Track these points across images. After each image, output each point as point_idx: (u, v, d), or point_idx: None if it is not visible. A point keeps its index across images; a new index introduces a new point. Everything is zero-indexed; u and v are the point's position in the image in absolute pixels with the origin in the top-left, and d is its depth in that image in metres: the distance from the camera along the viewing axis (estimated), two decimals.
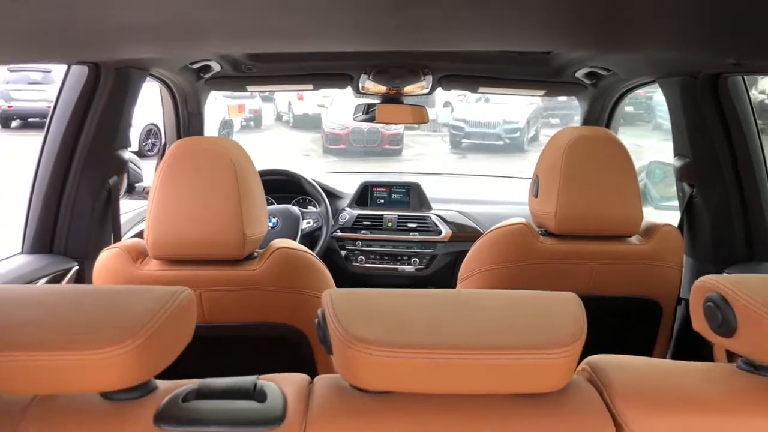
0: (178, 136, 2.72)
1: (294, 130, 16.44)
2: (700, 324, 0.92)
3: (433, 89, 2.69)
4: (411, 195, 3.21)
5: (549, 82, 2.56)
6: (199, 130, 2.77)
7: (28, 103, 17.36)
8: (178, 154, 1.49)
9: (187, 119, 2.71)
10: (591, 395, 0.85)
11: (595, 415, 0.82)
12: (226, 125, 13.56)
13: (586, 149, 1.73)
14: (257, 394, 0.83)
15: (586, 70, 2.35)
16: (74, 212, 1.94)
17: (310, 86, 2.69)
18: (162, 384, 0.86)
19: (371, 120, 2.69)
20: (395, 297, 0.87)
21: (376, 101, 2.69)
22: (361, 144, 13.96)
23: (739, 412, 0.83)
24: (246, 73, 2.51)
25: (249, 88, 2.70)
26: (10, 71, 18.67)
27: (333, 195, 3.19)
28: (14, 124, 17.34)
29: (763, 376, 0.88)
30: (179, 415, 0.79)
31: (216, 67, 2.41)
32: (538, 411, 0.82)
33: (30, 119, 17.62)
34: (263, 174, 2.07)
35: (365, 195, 3.21)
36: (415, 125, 14.69)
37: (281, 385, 0.86)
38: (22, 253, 1.93)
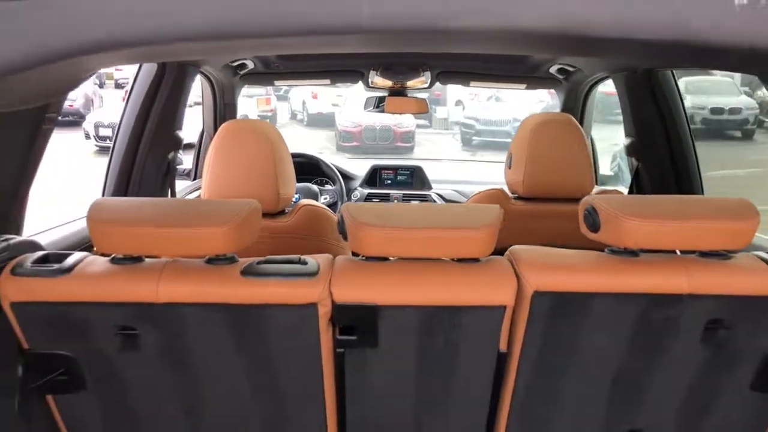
0: (215, 122, 3.26)
1: (308, 128, 17.00)
2: (582, 226, 1.45)
3: (432, 83, 3.21)
4: (414, 176, 3.74)
5: (529, 77, 3.09)
6: (232, 117, 3.32)
7: None
8: (228, 132, 2.03)
9: (223, 108, 3.26)
10: (505, 264, 1.38)
11: (504, 273, 1.35)
12: None
13: (548, 130, 2.25)
14: (301, 262, 1.37)
15: (556, 66, 2.88)
16: (142, 179, 2.48)
17: (328, 81, 3.24)
18: (241, 258, 1.40)
19: (381, 111, 3.22)
20: (386, 205, 1.41)
21: (385, 94, 3.22)
22: (373, 141, 14.48)
23: (598, 273, 1.35)
24: (274, 69, 3.06)
25: (276, 82, 3.25)
26: None
27: (346, 176, 3.74)
28: None
29: (617, 256, 1.40)
30: (255, 271, 1.33)
31: (250, 65, 2.96)
32: (469, 270, 1.35)
33: None
34: None
35: (374, 176, 3.75)
36: (428, 123, 14.88)
37: (315, 258, 1.40)
38: None
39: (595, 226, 1.39)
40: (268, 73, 3.12)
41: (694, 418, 1.52)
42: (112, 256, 1.37)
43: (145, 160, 2.47)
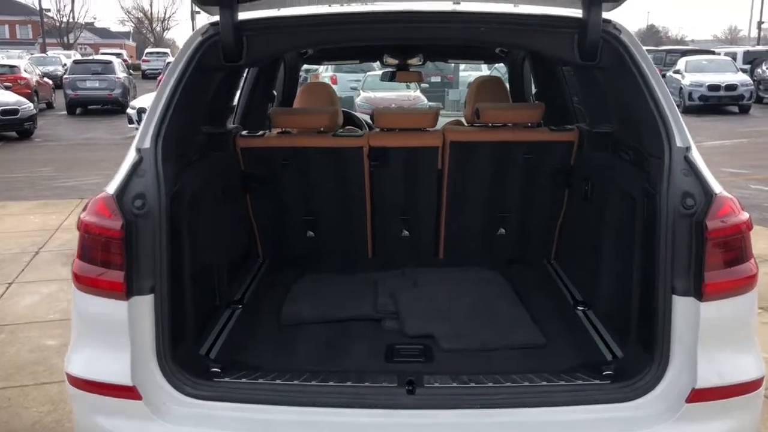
0: (283, 88, 5.33)
1: None
2: (476, 119, 3.49)
3: (424, 62, 5.27)
4: None
5: (484, 56, 5.16)
6: (295, 85, 5.40)
7: (91, 91, 20.30)
8: (309, 87, 4.15)
9: (288, 79, 5.34)
10: (439, 131, 3.45)
11: (438, 135, 3.42)
12: None
13: (484, 84, 4.31)
14: (356, 131, 3.46)
15: (498, 49, 4.93)
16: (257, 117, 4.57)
17: (358, 60, 5.32)
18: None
19: (395, 80, 5.28)
20: (393, 107, 3.50)
21: (394, 69, 5.29)
22: None
23: (477, 134, 3.41)
24: (325, 54, 5.15)
25: (324, 62, 5.35)
26: (75, 63, 21.81)
27: (369, 126, 5.82)
28: (78, 111, 20.35)
29: (488, 129, 3.45)
30: (339, 134, 3.43)
31: (311, 51, 5.04)
32: (424, 133, 3.44)
33: (90, 107, 20.59)
34: None
35: None
36: (441, 105, 17.30)
37: (362, 130, 3.49)
38: None
39: (478, 116, 3.45)
40: (319, 56, 5.22)
41: (528, 205, 3.57)
42: (276, 131, 3.47)
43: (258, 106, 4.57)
